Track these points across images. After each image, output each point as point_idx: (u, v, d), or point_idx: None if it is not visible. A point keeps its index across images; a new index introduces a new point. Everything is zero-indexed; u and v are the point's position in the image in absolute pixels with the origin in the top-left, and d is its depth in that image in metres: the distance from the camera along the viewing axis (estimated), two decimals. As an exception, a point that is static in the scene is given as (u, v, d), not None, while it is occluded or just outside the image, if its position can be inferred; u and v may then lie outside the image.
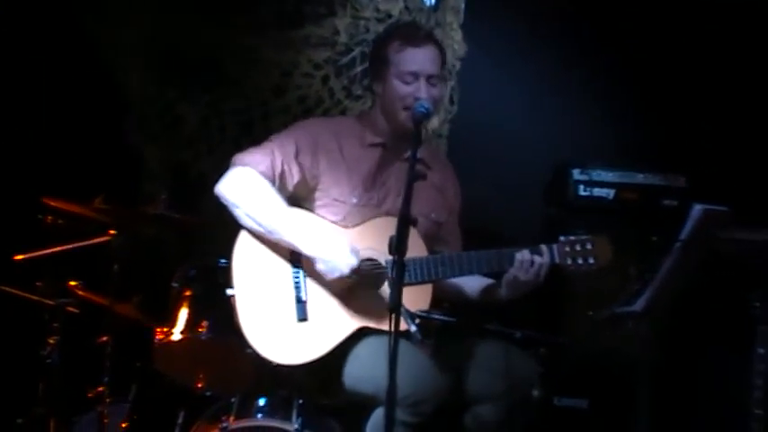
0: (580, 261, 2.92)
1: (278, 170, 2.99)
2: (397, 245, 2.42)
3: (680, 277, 3.04)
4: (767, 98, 4.49)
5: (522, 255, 2.87)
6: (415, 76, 2.99)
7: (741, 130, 4.54)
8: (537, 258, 2.88)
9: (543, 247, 2.90)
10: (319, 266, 2.86)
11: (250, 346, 2.90)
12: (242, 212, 2.95)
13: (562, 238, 2.95)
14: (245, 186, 2.96)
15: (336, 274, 2.84)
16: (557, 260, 2.91)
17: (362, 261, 2.88)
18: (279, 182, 2.99)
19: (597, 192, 4.16)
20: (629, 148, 4.46)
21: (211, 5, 4.32)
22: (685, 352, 4.06)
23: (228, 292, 2.93)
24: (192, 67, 4.33)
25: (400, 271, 2.41)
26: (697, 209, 2.90)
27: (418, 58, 3.01)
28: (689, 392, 4.04)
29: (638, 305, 3.00)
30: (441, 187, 3.20)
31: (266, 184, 2.95)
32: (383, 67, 3.06)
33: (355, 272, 2.84)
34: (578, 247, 2.93)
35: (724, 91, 4.51)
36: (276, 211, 2.92)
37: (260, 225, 2.93)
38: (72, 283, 3.64)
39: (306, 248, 2.88)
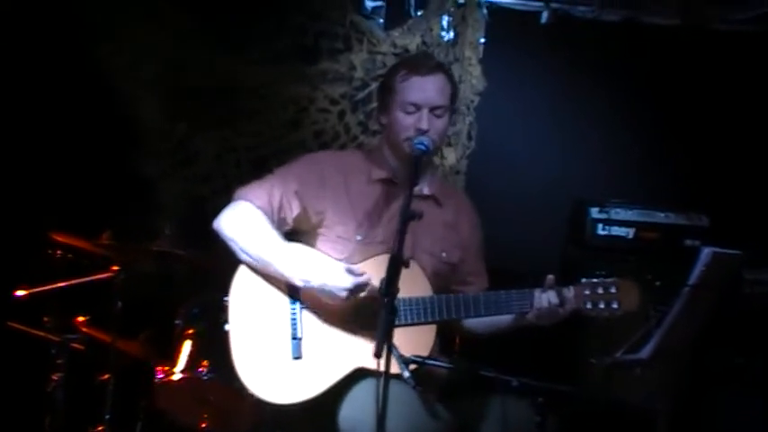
0: (602, 306, 2.76)
1: (276, 204, 2.93)
2: (387, 287, 2.34)
3: (690, 323, 2.92)
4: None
5: (540, 297, 2.76)
6: (417, 106, 2.90)
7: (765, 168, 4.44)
8: (554, 299, 2.75)
9: (563, 290, 2.78)
10: (315, 292, 2.79)
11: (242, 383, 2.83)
12: (237, 246, 2.90)
13: (584, 280, 2.81)
14: (240, 220, 2.91)
15: (332, 297, 2.77)
16: (573, 304, 2.77)
17: (365, 283, 2.79)
18: (277, 216, 2.93)
19: (616, 231, 4.07)
20: (650, 186, 4.38)
21: (227, 39, 4.30)
22: (707, 400, 3.92)
23: (226, 327, 2.87)
24: (207, 101, 4.31)
25: (389, 314, 2.32)
26: (706, 252, 2.79)
27: (422, 88, 2.92)
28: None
29: (645, 352, 2.89)
30: (453, 225, 3.07)
31: (261, 218, 2.90)
32: (388, 97, 2.99)
33: (352, 292, 2.75)
34: (601, 291, 2.78)
35: (748, 127, 4.43)
36: (269, 244, 2.86)
37: (253, 258, 2.87)
38: (79, 318, 3.62)
39: (298, 277, 2.81)
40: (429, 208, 2.94)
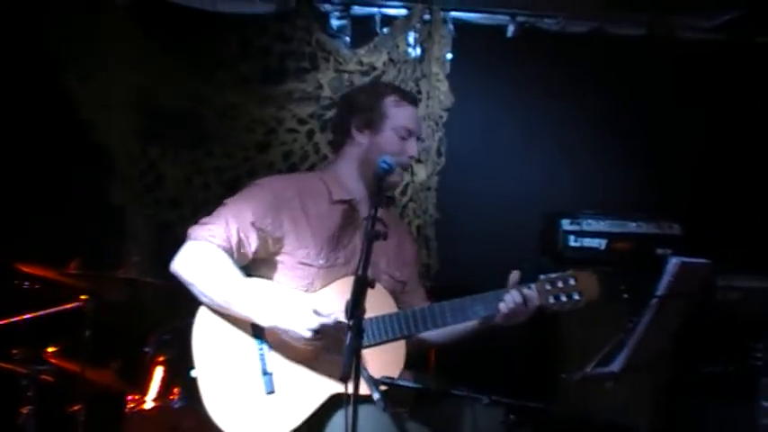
0: (564, 298, 2.81)
1: (234, 240, 2.85)
2: (353, 308, 2.31)
3: (660, 334, 2.91)
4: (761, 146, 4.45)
5: (507, 297, 2.79)
6: (411, 133, 2.97)
7: (737, 177, 4.46)
8: (518, 297, 2.78)
9: (525, 287, 2.81)
10: (280, 335, 2.75)
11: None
12: (197, 290, 2.83)
13: (542, 276, 2.85)
14: (198, 262, 2.84)
15: (298, 340, 2.73)
16: (536, 301, 2.80)
17: (332, 324, 2.76)
18: (237, 252, 2.86)
19: (588, 242, 4.07)
20: (621, 196, 4.39)
21: (193, 62, 4.28)
22: (684, 410, 3.91)
23: (192, 373, 2.80)
24: (174, 125, 4.27)
25: (357, 337, 2.29)
26: (673, 262, 2.78)
27: (415, 116, 3.01)
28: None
29: (616, 365, 2.87)
30: (399, 244, 3.09)
31: (221, 258, 2.83)
32: (378, 118, 2.96)
33: (318, 332, 2.72)
34: (561, 284, 2.83)
35: (715, 134, 4.45)
36: (230, 286, 2.80)
37: (215, 301, 2.81)
38: (49, 349, 3.56)
39: (262, 320, 2.77)
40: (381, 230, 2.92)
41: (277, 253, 2.89)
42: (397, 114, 2.95)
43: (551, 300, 2.81)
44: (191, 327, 3.06)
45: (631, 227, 4.10)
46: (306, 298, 2.82)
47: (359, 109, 3.03)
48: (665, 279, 2.78)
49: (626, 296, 3.15)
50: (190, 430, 3.26)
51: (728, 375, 3.83)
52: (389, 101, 2.98)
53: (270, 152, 4.36)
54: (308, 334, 2.69)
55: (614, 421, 3.17)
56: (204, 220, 2.90)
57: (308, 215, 2.91)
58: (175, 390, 3.26)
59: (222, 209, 2.91)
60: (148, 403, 3.28)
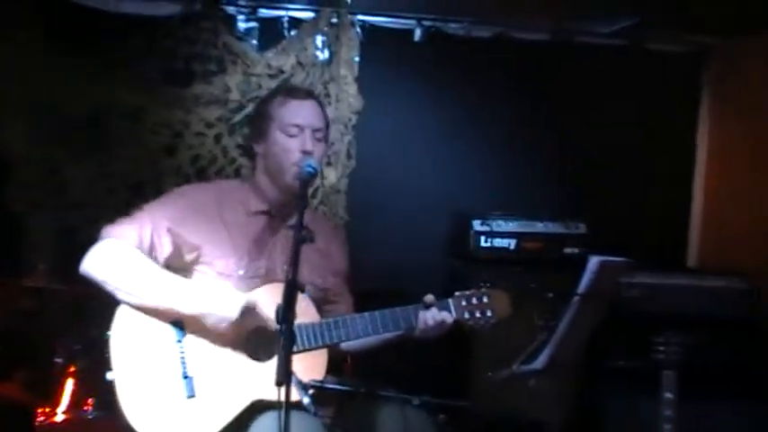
0: (478, 315, 2.87)
1: (146, 243, 2.79)
2: (284, 313, 2.29)
3: (581, 331, 2.99)
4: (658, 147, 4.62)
5: (425, 315, 2.82)
6: (300, 128, 2.88)
7: (636, 178, 4.62)
8: (438, 316, 2.81)
9: (442, 303, 2.85)
10: (201, 322, 2.70)
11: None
12: (112, 288, 2.75)
13: (457, 293, 2.90)
14: (110, 258, 2.77)
15: (225, 323, 2.68)
16: (454, 315, 2.85)
17: (252, 331, 2.74)
18: (148, 254, 2.80)
19: (498, 242, 4.13)
20: (528, 197, 4.48)
21: (96, 64, 4.16)
22: (593, 405, 4.02)
23: (108, 376, 2.73)
24: (76, 128, 4.14)
25: (289, 340, 2.27)
26: (594, 261, 2.86)
27: (303, 111, 2.91)
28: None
29: (540, 362, 2.94)
30: (325, 252, 3.07)
31: (134, 251, 2.76)
32: (265, 124, 2.92)
33: (242, 315, 2.68)
34: (474, 301, 2.88)
35: (615, 136, 4.60)
36: (147, 277, 2.74)
37: (133, 296, 2.73)
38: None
39: (186, 306, 2.71)
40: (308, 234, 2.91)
41: (193, 263, 2.84)
42: (283, 114, 2.90)
43: (467, 315, 2.87)
44: (102, 335, 2.99)
45: (539, 227, 4.19)
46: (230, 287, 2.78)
47: (253, 120, 3.06)
48: (587, 277, 2.85)
49: (550, 295, 3.22)
50: (104, 441, 3.21)
51: (633, 369, 3.97)
52: (275, 103, 2.94)
53: (177, 156, 4.27)
54: (235, 313, 2.65)
55: (532, 418, 3.23)
56: (119, 220, 2.83)
57: (227, 225, 2.87)
58: (89, 400, 3.18)
59: (138, 211, 2.86)
60: (59, 416, 3.20)
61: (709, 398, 3.88)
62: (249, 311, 2.71)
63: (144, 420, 2.68)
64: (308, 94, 3.00)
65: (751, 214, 4.34)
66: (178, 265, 2.84)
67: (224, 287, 2.75)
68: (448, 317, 2.85)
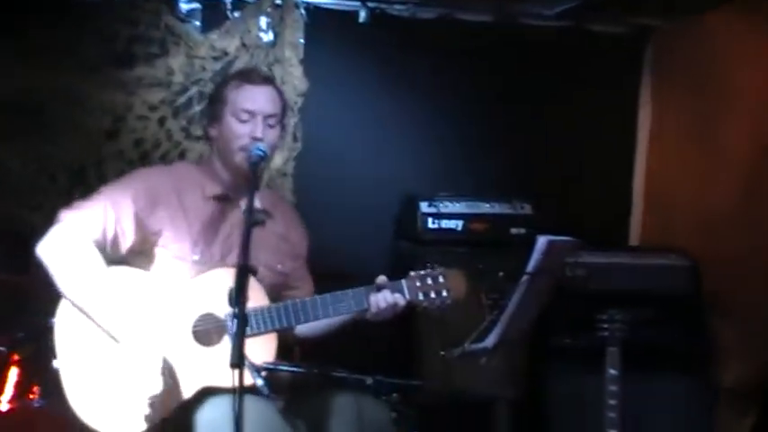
0: (433, 295, 2.86)
1: (110, 230, 2.77)
2: (237, 296, 2.27)
3: (530, 310, 3.03)
4: (602, 124, 4.68)
5: (376, 297, 2.81)
6: (252, 114, 2.87)
7: (579, 159, 4.68)
8: (390, 298, 2.80)
9: (395, 284, 2.85)
10: (160, 330, 2.69)
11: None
12: (55, 278, 2.74)
13: (412, 273, 2.89)
14: (62, 249, 2.74)
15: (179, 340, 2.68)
16: (407, 296, 2.84)
17: (201, 317, 2.71)
18: (111, 243, 2.78)
19: (446, 224, 4.15)
20: (476, 178, 4.51)
21: (33, 48, 4.06)
22: (541, 381, 4.07)
23: (54, 364, 2.70)
24: (13, 114, 4.04)
25: (242, 324, 2.26)
26: (542, 241, 2.89)
27: (255, 97, 2.90)
28: (547, 421, 4.05)
29: (489, 341, 2.97)
30: (285, 236, 3.05)
31: (86, 248, 2.73)
32: (219, 107, 2.93)
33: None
34: (430, 281, 2.87)
35: (559, 117, 4.65)
36: (87, 283, 2.71)
37: (68, 296, 2.73)
38: None
39: (117, 334, 2.69)
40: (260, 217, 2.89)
41: (153, 246, 2.82)
42: (236, 98, 2.90)
43: (421, 296, 2.86)
44: (47, 323, 2.94)
45: (486, 207, 4.22)
46: (177, 290, 2.75)
47: (209, 104, 3.04)
48: (535, 257, 2.88)
49: (501, 274, 3.24)
50: (48, 430, 3.15)
51: (579, 347, 4.03)
52: (230, 87, 2.94)
53: (119, 140, 4.19)
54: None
55: (483, 395, 3.26)
56: (79, 204, 2.80)
57: (184, 208, 2.86)
58: (34, 389, 3.13)
59: (99, 196, 2.82)
60: (4, 405, 3.16)
61: (652, 373, 3.96)
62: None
63: (89, 409, 2.66)
64: (264, 79, 3.00)
65: (691, 193, 4.42)
66: (139, 249, 2.83)
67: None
68: (400, 298, 2.84)
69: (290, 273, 3.04)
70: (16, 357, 3.21)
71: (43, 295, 3.02)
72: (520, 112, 4.65)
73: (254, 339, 2.68)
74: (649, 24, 4.78)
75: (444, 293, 2.86)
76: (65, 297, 2.74)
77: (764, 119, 3.93)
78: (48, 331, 3.00)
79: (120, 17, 4.19)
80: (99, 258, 2.75)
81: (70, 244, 2.73)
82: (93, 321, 2.71)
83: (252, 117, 2.87)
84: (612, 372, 3.59)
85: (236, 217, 2.89)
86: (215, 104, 2.97)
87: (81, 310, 2.72)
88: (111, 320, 2.69)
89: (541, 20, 4.68)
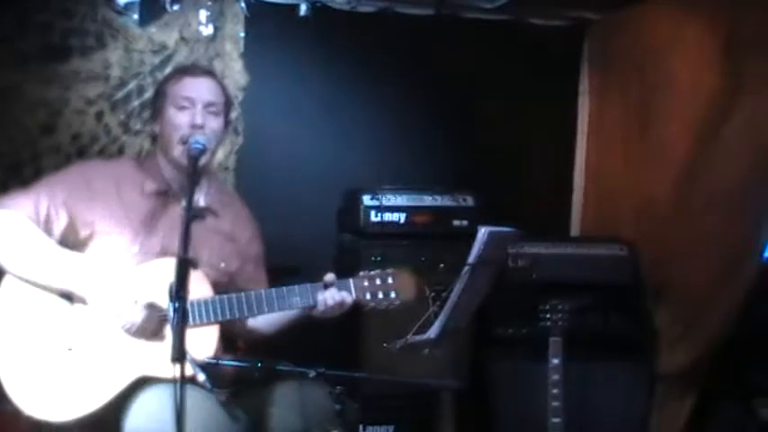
0: (381, 296, 2.87)
1: (42, 214, 2.76)
2: (177, 289, 2.25)
3: (472, 300, 3.05)
4: (542, 117, 4.73)
5: (324, 295, 2.82)
6: (191, 101, 2.86)
7: (522, 149, 4.72)
8: (337, 296, 2.81)
9: (343, 283, 2.85)
10: (99, 311, 2.65)
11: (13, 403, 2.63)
12: (1, 256, 2.71)
13: (361, 273, 2.89)
14: (3, 230, 2.72)
15: (120, 321, 2.65)
16: (354, 295, 2.85)
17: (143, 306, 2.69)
18: (44, 227, 2.76)
19: (388, 216, 4.14)
20: (418, 171, 4.53)
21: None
22: (485, 371, 4.11)
23: None
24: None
25: (182, 317, 2.24)
26: (482, 232, 2.90)
27: (195, 86, 2.91)
28: (491, 410, 4.08)
29: (432, 332, 2.98)
30: (231, 235, 3.03)
31: (29, 226, 2.73)
32: (160, 102, 2.93)
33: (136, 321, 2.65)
34: (379, 282, 2.88)
35: (502, 110, 4.69)
36: (40, 252, 2.70)
37: (21, 268, 2.70)
38: None
39: (81, 291, 2.68)
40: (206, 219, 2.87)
41: (88, 239, 2.79)
42: (175, 90, 2.90)
43: (368, 296, 2.87)
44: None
45: (428, 200, 4.22)
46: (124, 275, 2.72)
47: (151, 102, 3.07)
48: (476, 247, 2.89)
49: (442, 266, 3.25)
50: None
51: (522, 336, 4.08)
52: (170, 82, 2.95)
53: (56, 135, 4.12)
54: (137, 320, 2.65)
55: (427, 386, 3.27)
56: (15, 192, 2.79)
57: (123, 203, 2.84)
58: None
59: (35, 184, 2.83)
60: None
61: (594, 361, 4.02)
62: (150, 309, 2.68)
63: (23, 393, 2.63)
64: (204, 71, 3.01)
65: (630, 183, 4.48)
66: (72, 241, 2.80)
67: (121, 280, 2.70)
68: (348, 297, 2.85)
69: (236, 272, 3.01)
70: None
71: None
72: (461, 105, 4.68)
73: (196, 331, 2.67)
74: (587, 17, 4.84)
75: (392, 295, 2.87)
76: (9, 272, 2.72)
77: (697, 107, 4.00)
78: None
79: (55, 9, 4.11)
80: (39, 231, 2.74)
81: (6, 223, 2.72)
82: (40, 293, 2.69)
83: (191, 105, 2.86)
84: (555, 361, 3.64)
85: (177, 212, 2.85)
86: (156, 100, 2.98)
87: (29, 278, 2.70)
88: (69, 279, 2.68)
89: (482, 13, 4.70)
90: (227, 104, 3.00)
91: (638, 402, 4.11)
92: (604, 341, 4.07)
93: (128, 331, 2.69)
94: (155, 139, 3.00)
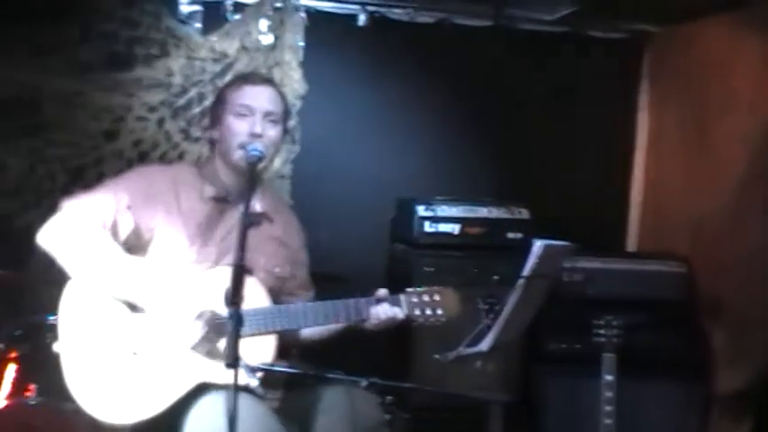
0: (428, 312, 2.89)
1: (109, 218, 2.78)
2: (233, 295, 2.28)
3: (525, 314, 3.04)
4: (600, 130, 4.70)
5: (377, 309, 2.84)
6: (251, 110, 2.89)
7: (579, 163, 4.69)
8: (389, 311, 2.83)
9: (394, 299, 2.87)
10: (161, 323, 2.70)
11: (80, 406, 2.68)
12: (67, 261, 2.73)
13: (409, 290, 2.91)
14: (70, 232, 2.75)
15: (180, 334, 2.69)
16: (405, 311, 2.88)
17: (201, 313, 2.73)
18: (110, 230, 2.79)
19: (442, 227, 4.15)
20: (472, 183, 4.53)
21: (32, 49, 4.07)
22: (536, 386, 4.08)
23: (55, 347, 2.71)
24: (15, 114, 4.06)
25: (237, 323, 2.27)
26: (538, 245, 2.90)
27: (255, 94, 2.93)
28: (541, 426, 4.05)
29: (485, 344, 2.98)
30: (283, 241, 3.06)
31: (95, 229, 2.75)
32: (220, 109, 2.96)
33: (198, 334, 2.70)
34: (426, 298, 2.90)
35: (559, 122, 4.66)
36: (104, 255, 2.72)
37: (88, 274, 2.72)
38: None
39: (142, 302, 2.71)
40: (262, 224, 2.90)
41: (148, 243, 2.82)
42: (235, 98, 2.92)
43: (417, 312, 2.89)
44: (45, 321, 2.96)
45: (483, 212, 4.21)
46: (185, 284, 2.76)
47: (211, 108, 3.06)
48: (531, 260, 2.89)
49: (495, 278, 3.25)
50: (46, 429, 3.16)
51: (575, 352, 4.05)
52: (230, 89, 2.97)
53: (118, 140, 4.21)
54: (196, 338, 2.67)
55: (477, 399, 3.26)
56: (80, 195, 2.81)
57: (180, 208, 2.86)
58: (30, 387, 3.14)
59: (100, 187, 2.85)
60: (0, 401, 3.15)
61: (647, 379, 3.97)
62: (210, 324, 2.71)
63: (87, 394, 2.66)
64: (264, 80, 3.03)
65: (687, 198, 4.43)
66: (135, 245, 2.83)
67: (185, 291, 2.73)
68: (399, 312, 2.87)
69: (288, 278, 3.04)
70: (13, 354, 3.21)
71: (41, 293, 3.05)
72: (518, 117, 4.67)
73: (254, 339, 2.70)
74: (647, 30, 4.81)
75: (439, 311, 2.89)
76: (75, 276, 2.74)
77: (756, 124, 3.94)
78: (45, 329, 3.04)
79: (120, 19, 4.20)
80: (106, 234, 2.76)
81: (73, 225, 2.75)
82: (105, 297, 2.72)
83: (251, 113, 2.89)
84: (608, 378, 3.60)
85: (233, 218, 2.89)
86: (216, 107, 3.00)
87: (93, 285, 2.72)
88: (134, 287, 2.70)
89: (541, 25, 4.70)
90: (286, 113, 3.03)
91: (693, 424, 4.05)
92: (658, 359, 4.02)
93: (192, 347, 2.71)
94: (213, 144, 3.03)
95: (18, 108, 4.07)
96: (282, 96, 3.04)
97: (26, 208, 4.06)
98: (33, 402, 3.13)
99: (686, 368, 4.07)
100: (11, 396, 3.15)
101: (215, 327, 2.72)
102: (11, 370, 3.20)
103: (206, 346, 2.71)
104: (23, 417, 3.16)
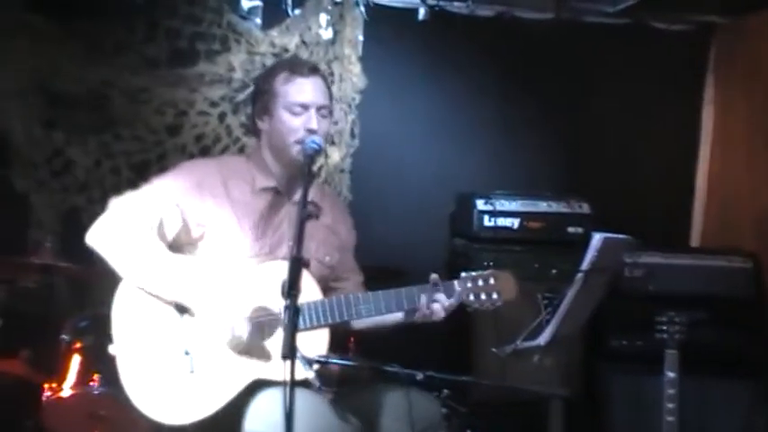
0: (483, 297, 2.83)
1: (156, 216, 2.76)
2: (290, 288, 2.29)
3: (584, 307, 3.00)
4: (664, 123, 4.61)
5: (428, 297, 2.79)
6: (305, 107, 2.85)
7: (639, 158, 4.62)
8: (441, 298, 2.80)
9: (448, 285, 2.82)
10: (208, 325, 2.71)
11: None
12: (115, 263, 2.73)
13: (463, 275, 2.86)
14: (117, 233, 2.74)
15: (227, 336, 2.70)
16: (458, 297, 2.82)
17: (255, 309, 2.74)
18: (157, 230, 2.77)
19: (502, 222, 4.12)
20: (531, 177, 4.49)
21: (96, 46, 4.16)
22: (597, 381, 4.04)
23: (110, 349, 2.72)
24: (80, 109, 4.16)
25: (294, 315, 2.28)
26: (597, 238, 2.86)
27: (308, 89, 2.87)
28: (603, 422, 4.01)
29: (543, 338, 2.95)
30: (333, 228, 3.04)
31: (141, 230, 2.74)
32: (270, 100, 2.89)
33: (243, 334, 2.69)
34: (481, 283, 2.84)
35: (620, 116, 4.60)
36: (151, 258, 2.71)
37: (134, 274, 2.72)
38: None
39: (190, 304, 2.70)
40: (312, 210, 2.89)
41: (199, 239, 2.81)
42: (287, 91, 2.86)
43: (471, 297, 2.83)
44: (108, 313, 3.00)
45: (543, 206, 4.18)
46: (234, 283, 2.77)
47: (256, 96, 2.98)
48: (590, 254, 2.86)
49: (554, 272, 3.22)
50: (109, 416, 3.25)
51: (636, 348, 3.99)
52: (280, 79, 2.89)
53: (181, 135, 4.29)
54: (242, 336, 2.67)
55: (535, 393, 3.23)
56: (128, 193, 2.80)
57: (232, 202, 2.83)
58: (95, 376, 3.21)
59: (147, 186, 2.83)
60: (66, 391, 3.23)
61: (711, 377, 3.90)
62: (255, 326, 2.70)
63: (144, 396, 2.67)
64: (312, 69, 2.94)
65: (754, 194, 4.34)
66: (185, 241, 2.82)
67: (231, 294, 2.73)
68: (452, 299, 2.82)
69: (336, 265, 3.03)
70: (78, 345, 3.28)
71: (106, 285, 3.09)
72: (580, 111, 4.63)
73: (308, 332, 2.69)
74: (712, 21, 4.71)
75: (495, 296, 2.83)
76: (124, 278, 2.73)
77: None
78: (109, 321, 3.09)
79: (183, 15, 4.27)
80: (153, 235, 2.75)
81: (119, 227, 2.74)
82: (155, 298, 2.72)
83: (305, 110, 2.85)
84: (671, 375, 3.54)
85: (286, 210, 2.88)
86: (263, 96, 2.92)
87: (141, 288, 2.73)
88: (180, 289, 2.70)
89: (603, 17, 4.64)
90: (332, 101, 2.98)
91: (759, 423, 3.96)
92: (723, 357, 3.94)
93: (234, 349, 2.71)
94: (258, 134, 2.97)
95: (87, 104, 4.17)
96: (327, 82, 2.97)
97: (92, 202, 4.15)
98: (98, 392, 3.19)
99: (751, 366, 3.97)
100: (76, 386, 3.21)
101: (258, 326, 2.72)
102: (76, 360, 3.26)
103: (249, 345, 2.70)
104: (89, 406, 3.24)
